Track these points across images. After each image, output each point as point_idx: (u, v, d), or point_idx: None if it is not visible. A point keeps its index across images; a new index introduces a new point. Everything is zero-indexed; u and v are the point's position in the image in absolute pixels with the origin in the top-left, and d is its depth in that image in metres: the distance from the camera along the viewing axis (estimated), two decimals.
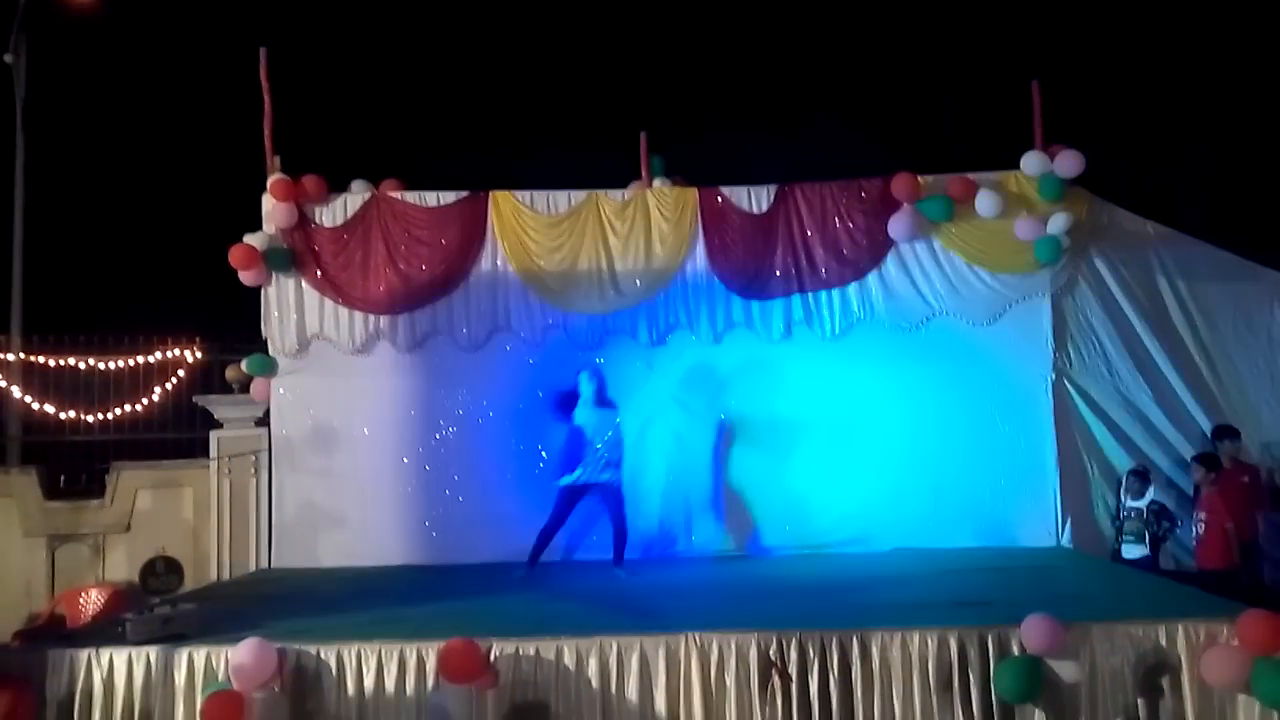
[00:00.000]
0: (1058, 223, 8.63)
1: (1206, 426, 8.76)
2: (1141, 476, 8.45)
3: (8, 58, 11.79)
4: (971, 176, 8.98)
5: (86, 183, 13.04)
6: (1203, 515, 7.98)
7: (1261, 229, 9.86)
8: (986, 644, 5.46)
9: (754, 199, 9.15)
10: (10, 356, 9.92)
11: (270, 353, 9.13)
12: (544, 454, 9.02)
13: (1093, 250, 9.02)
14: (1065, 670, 5.37)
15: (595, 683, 5.50)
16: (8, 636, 6.09)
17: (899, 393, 9.09)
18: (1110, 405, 8.98)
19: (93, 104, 13.18)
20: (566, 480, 7.91)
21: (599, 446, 7.84)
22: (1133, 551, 8.28)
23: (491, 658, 5.48)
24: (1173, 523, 8.29)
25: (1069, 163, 8.73)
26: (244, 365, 9.12)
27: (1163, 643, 5.46)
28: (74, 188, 12.82)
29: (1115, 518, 8.58)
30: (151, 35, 12.72)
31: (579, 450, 7.89)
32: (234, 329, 9.74)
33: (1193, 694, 5.41)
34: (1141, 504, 8.33)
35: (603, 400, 7.99)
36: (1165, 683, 5.43)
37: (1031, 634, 5.34)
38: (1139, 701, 5.41)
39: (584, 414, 7.96)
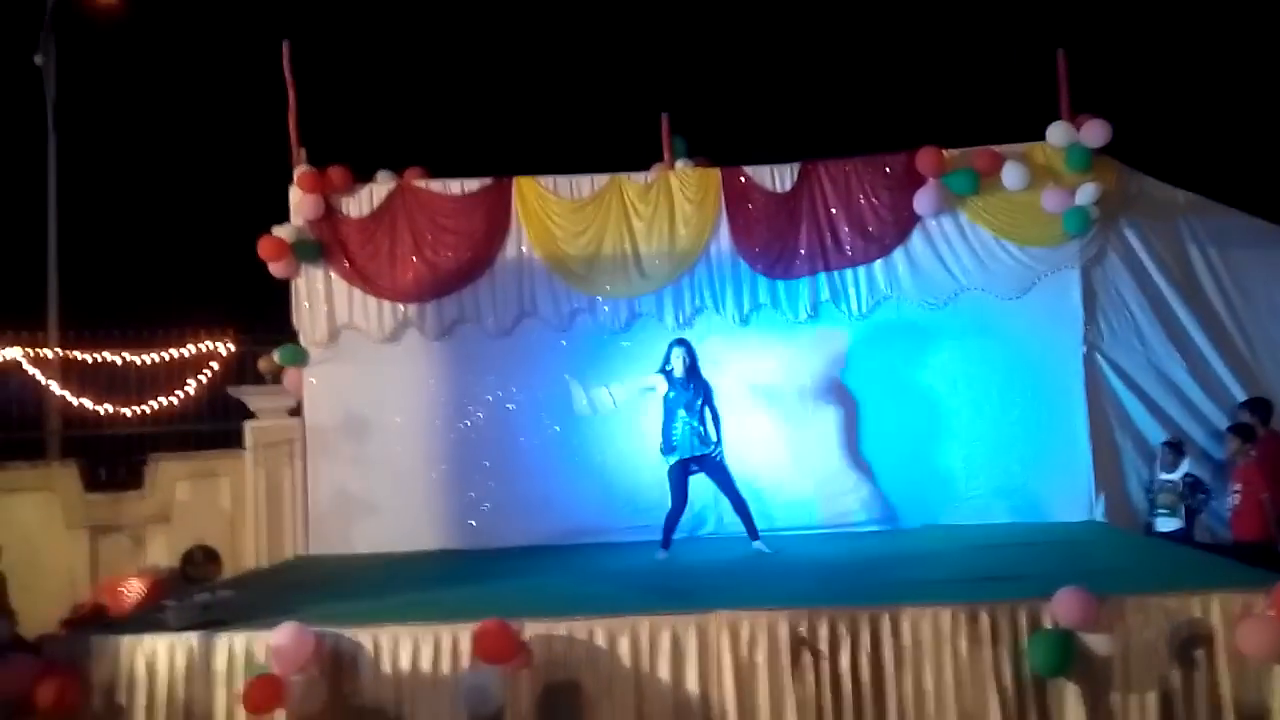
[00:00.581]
0: (1086, 193, 8.51)
1: (1241, 396, 8.64)
2: (1175, 448, 8.36)
3: (38, 59, 11.95)
4: (997, 149, 8.89)
5: (118, 179, 13.20)
6: (1238, 486, 7.87)
7: None
8: (1018, 619, 5.44)
9: (777, 177, 9.11)
10: (48, 352, 10.08)
11: (301, 343, 9.23)
12: (557, 428, 9.09)
13: (1122, 220, 8.89)
14: (1098, 643, 5.33)
15: (627, 662, 5.53)
16: (54, 626, 6.20)
17: (929, 369, 9.06)
18: (1143, 377, 8.87)
19: (121, 101, 13.33)
20: (671, 459, 7.86)
21: (693, 421, 7.78)
22: (1167, 524, 8.21)
23: (524, 639, 5.53)
24: (1207, 494, 8.20)
25: (1096, 132, 8.61)
26: (276, 356, 9.23)
27: (1197, 614, 5.40)
28: (105, 185, 12.99)
29: (1149, 490, 8.51)
30: (176, 32, 12.84)
31: (672, 426, 7.85)
32: (265, 321, 9.85)
33: (1229, 666, 5.35)
34: (1176, 476, 8.25)
35: (691, 374, 7.88)
36: (1200, 655, 5.38)
37: (1064, 607, 5.31)
38: (1173, 674, 5.37)
39: (674, 389, 7.89)
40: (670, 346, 7.97)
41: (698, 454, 7.80)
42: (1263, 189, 9.66)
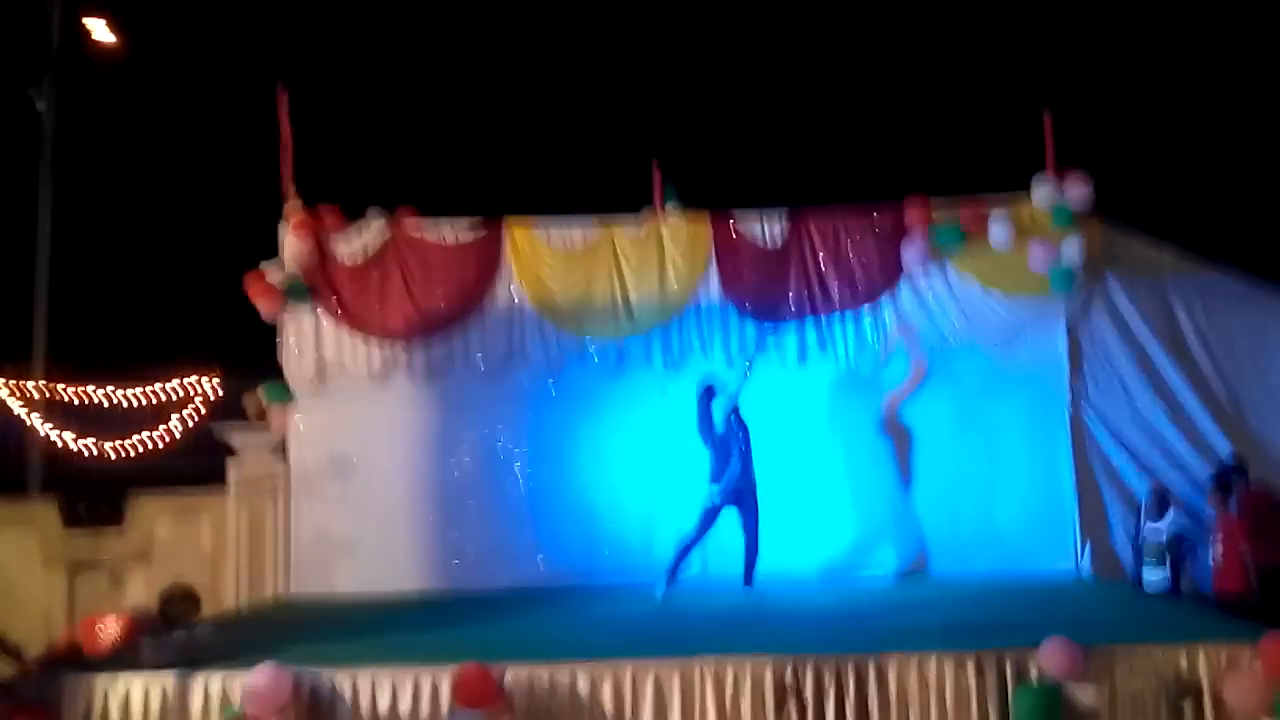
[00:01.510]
0: (1071, 250, 8.61)
1: (1225, 450, 8.69)
2: (1161, 498, 8.38)
3: (40, 105, 11.97)
4: (983, 201, 8.98)
5: (109, 216, 13.22)
6: (1219, 538, 7.91)
7: (1277, 255, 9.80)
8: (1004, 669, 5.40)
9: (766, 227, 9.19)
10: (32, 387, 10.02)
11: (287, 382, 9.19)
12: (541, 471, 9.09)
13: (1108, 274, 8.99)
14: (1084, 695, 5.31)
15: (609, 708, 5.46)
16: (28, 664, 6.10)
17: (916, 419, 9.08)
18: (1128, 430, 8.91)
19: (115, 139, 13.38)
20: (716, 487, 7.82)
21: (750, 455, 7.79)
22: (1153, 574, 8.19)
23: (505, 684, 5.46)
24: (1193, 546, 8.20)
25: (1079, 193, 8.73)
26: (261, 394, 9.18)
27: (1184, 667, 5.39)
28: (96, 220, 12.99)
29: (1134, 541, 8.50)
30: (171, 70, 12.94)
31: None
32: (252, 359, 9.81)
33: (1215, 718, 5.32)
34: (1162, 524, 8.25)
35: (707, 415, 7.89)
36: (1188, 707, 5.36)
37: (1050, 658, 5.29)
38: None
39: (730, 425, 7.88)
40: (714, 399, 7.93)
41: (740, 487, 7.73)
42: (1248, 248, 9.77)
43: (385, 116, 11.84)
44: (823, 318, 9.06)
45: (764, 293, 9.08)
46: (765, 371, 8.99)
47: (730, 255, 9.14)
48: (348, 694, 5.54)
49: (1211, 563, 8.00)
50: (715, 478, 7.72)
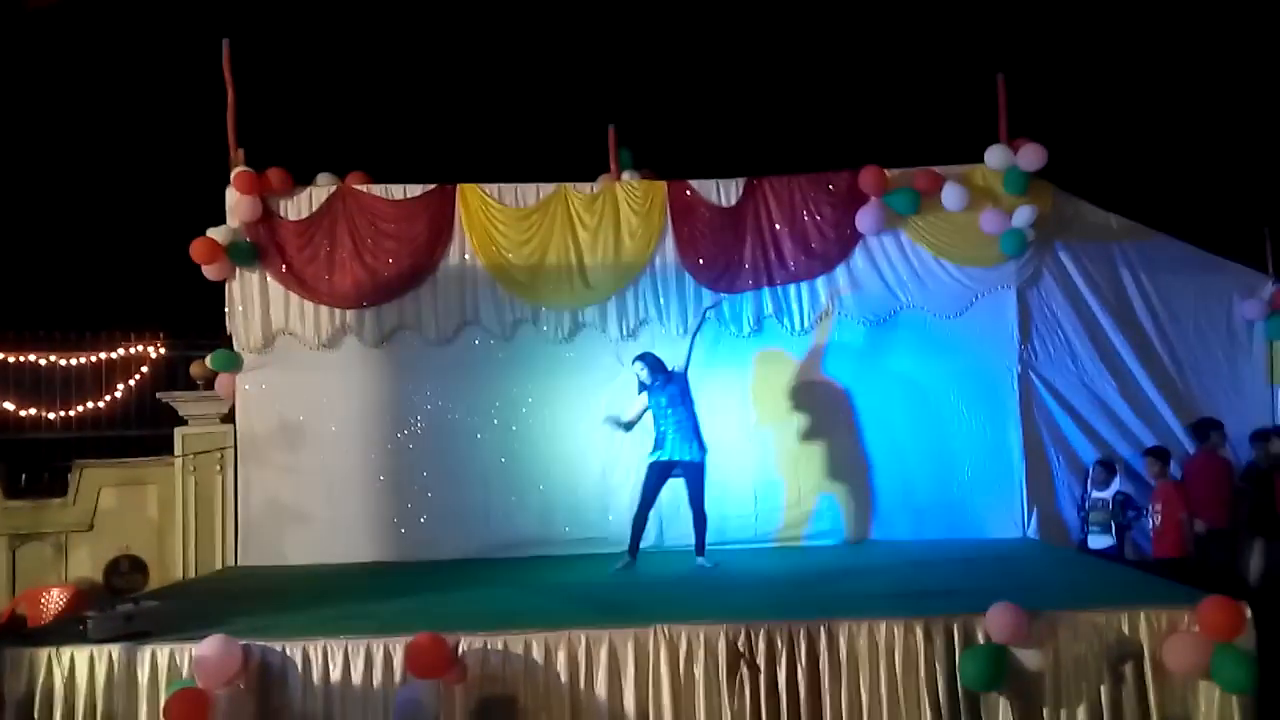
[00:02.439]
0: (1022, 216, 8.71)
1: (1168, 416, 8.90)
2: (1107, 467, 8.56)
3: None
4: (938, 170, 9.05)
5: (46, 176, 12.84)
6: (1158, 507, 8.11)
7: (1223, 222, 9.98)
8: (952, 633, 5.50)
9: (723, 192, 9.17)
10: None
11: (235, 348, 9.03)
12: (494, 440, 8.99)
13: (1057, 243, 9.11)
14: (1029, 658, 5.42)
15: (564, 676, 5.48)
16: None
17: (866, 386, 9.15)
18: (1075, 397, 9.07)
19: (52, 96, 12.97)
20: (651, 457, 7.80)
21: (677, 418, 7.71)
22: (1099, 541, 8.39)
23: (459, 652, 5.45)
24: (1138, 512, 8.41)
25: (1032, 156, 8.80)
26: (208, 361, 9.02)
27: (1125, 630, 5.51)
28: (33, 181, 12.62)
29: (1080, 508, 8.69)
30: (112, 27, 12.53)
31: (658, 426, 7.80)
32: (198, 324, 9.63)
33: (1155, 680, 5.47)
34: (1107, 494, 8.44)
35: (659, 374, 7.78)
36: (1128, 670, 5.49)
37: (996, 622, 5.38)
38: (1102, 688, 5.47)
39: (651, 394, 7.81)
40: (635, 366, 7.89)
41: (682, 459, 7.72)
42: (1193, 215, 9.93)
43: (337, 82, 11.58)
44: (778, 286, 9.06)
45: (719, 257, 9.05)
46: (718, 338, 9.06)
47: (686, 216, 9.08)
48: (299, 664, 5.49)
49: (1150, 529, 8.20)
50: (693, 441, 7.71)
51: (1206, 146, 11.30)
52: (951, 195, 8.89)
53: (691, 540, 7.91)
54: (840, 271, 9.10)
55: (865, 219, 8.96)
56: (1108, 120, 11.32)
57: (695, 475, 7.79)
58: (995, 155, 8.96)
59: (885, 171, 8.98)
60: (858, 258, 9.11)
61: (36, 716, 5.48)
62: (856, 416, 9.11)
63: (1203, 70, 11.27)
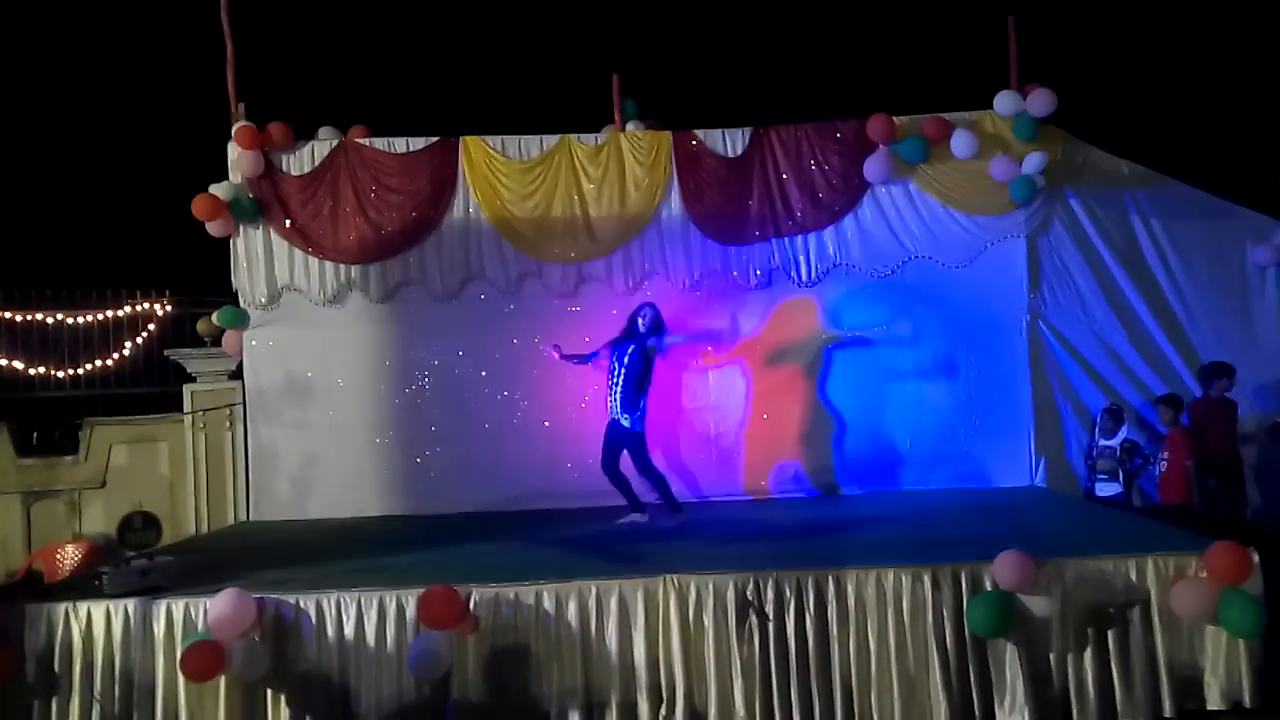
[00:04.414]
0: (1032, 162, 8.60)
1: (1178, 364, 8.87)
2: (1115, 415, 8.54)
3: None
4: (946, 116, 8.93)
5: (49, 135, 12.77)
6: (1165, 454, 8.12)
7: (1235, 167, 9.86)
8: (960, 581, 5.53)
9: (729, 141, 9.07)
10: None
11: (241, 305, 9.02)
12: (504, 393, 9.05)
13: (1067, 190, 9.01)
14: (1036, 605, 5.45)
15: (575, 626, 5.54)
16: None
17: (875, 338, 9.11)
18: (1085, 345, 9.03)
19: (53, 52, 12.86)
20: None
21: (614, 381, 7.68)
22: (1106, 489, 8.40)
23: (471, 604, 5.50)
24: (1145, 460, 8.40)
25: (1042, 101, 8.67)
26: (215, 318, 9.03)
27: (1133, 577, 5.54)
28: (36, 140, 12.56)
29: (1089, 456, 8.69)
30: None
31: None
32: (204, 281, 9.63)
33: (1162, 626, 5.50)
34: (1114, 442, 8.43)
35: (626, 334, 7.79)
36: (1136, 616, 5.52)
37: (1003, 570, 5.41)
38: (1109, 635, 5.50)
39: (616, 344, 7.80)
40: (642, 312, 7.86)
41: (618, 422, 7.69)
42: (1205, 160, 9.81)
43: (337, 34, 11.45)
44: (785, 239, 9.00)
45: (725, 207, 8.97)
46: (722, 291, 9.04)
47: (691, 167, 8.99)
48: (313, 616, 5.55)
49: (1158, 476, 8.21)
50: (626, 408, 7.61)
51: (1218, 91, 11.14)
52: (961, 142, 8.79)
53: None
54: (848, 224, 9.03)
55: (873, 168, 8.87)
56: (1119, 65, 11.15)
57: (630, 442, 7.70)
58: (1005, 101, 8.83)
59: (893, 119, 8.86)
60: (866, 207, 9.03)
61: (56, 670, 5.56)
62: (864, 367, 9.07)
63: (1214, 13, 11.08)
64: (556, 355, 8.00)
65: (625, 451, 7.75)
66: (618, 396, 7.64)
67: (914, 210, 9.02)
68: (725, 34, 11.58)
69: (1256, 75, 10.98)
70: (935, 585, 5.51)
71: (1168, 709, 5.48)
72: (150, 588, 5.72)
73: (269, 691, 5.56)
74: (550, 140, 9.06)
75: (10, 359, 9.49)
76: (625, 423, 7.64)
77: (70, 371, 9.60)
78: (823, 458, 9.06)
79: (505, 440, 8.97)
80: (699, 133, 9.07)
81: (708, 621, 5.49)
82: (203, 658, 5.25)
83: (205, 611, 5.46)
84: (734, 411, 9.11)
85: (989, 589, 5.48)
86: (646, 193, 8.97)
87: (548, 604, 5.56)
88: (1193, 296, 9.02)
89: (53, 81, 12.91)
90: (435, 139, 9.05)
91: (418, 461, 8.98)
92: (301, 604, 5.57)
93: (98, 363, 9.63)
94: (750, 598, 5.51)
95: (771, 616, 5.49)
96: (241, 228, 8.95)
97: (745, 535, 7.21)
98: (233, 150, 8.92)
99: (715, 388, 9.13)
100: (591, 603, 5.55)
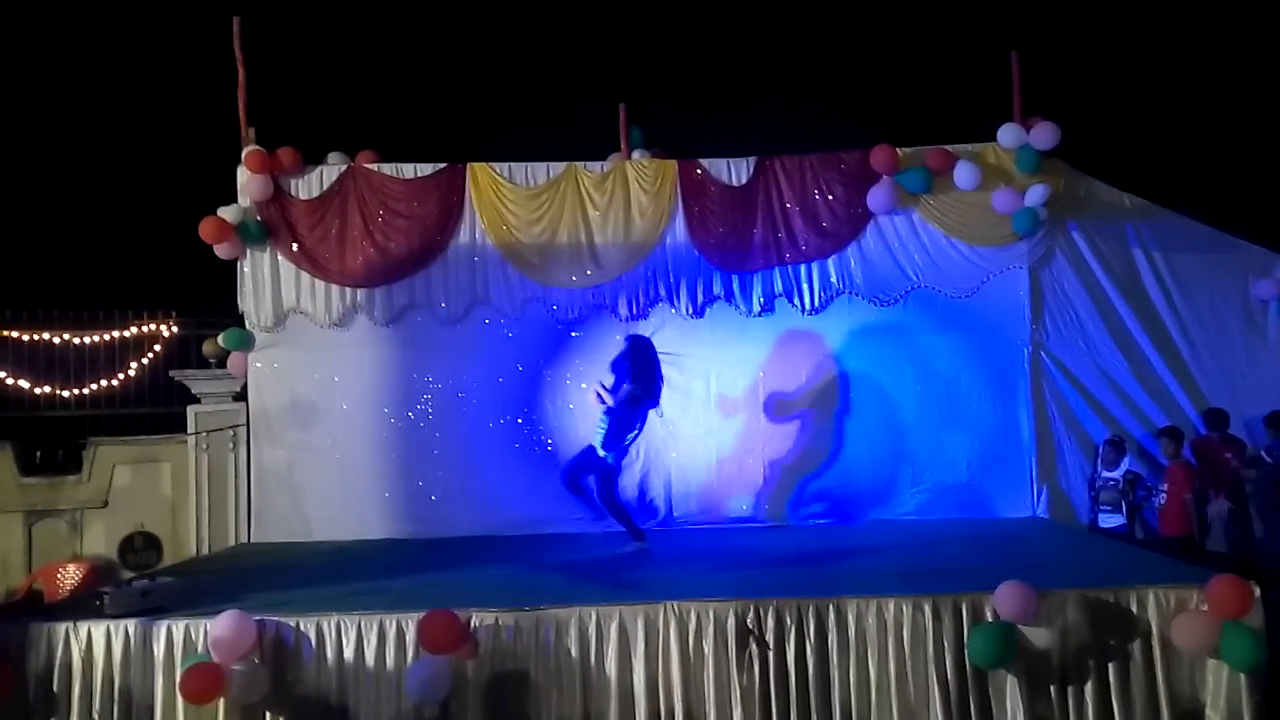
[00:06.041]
0: (1035, 194, 8.67)
1: (1180, 396, 8.88)
2: (1117, 447, 8.55)
3: None
4: (950, 148, 9.01)
5: (59, 155, 12.87)
6: (1165, 486, 8.13)
7: (1238, 202, 9.91)
8: (961, 611, 5.52)
9: (733, 170, 9.14)
10: None
11: (247, 327, 9.07)
12: (506, 418, 9.08)
13: (1070, 222, 9.08)
14: (1037, 637, 5.44)
15: (575, 652, 5.53)
16: None
17: (877, 365, 9.14)
18: (1086, 376, 9.06)
19: (65, 72, 12.98)
20: None
21: (603, 415, 7.51)
22: (1109, 521, 8.40)
23: (471, 628, 5.50)
24: (1148, 491, 8.41)
25: (1045, 135, 8.75)
26: (221, 339, 9.06)
27: (1134, 609, 5.53)
28: (46, 159, 12.66)
29: (1091, 488, 8.68)
30: (124, 4, 12.53)
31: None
32: (210, 303, 9.67)
33: (1163, 659, 5.49)
34: (1117, 474, 8.43)
35: (614, 369, 7.60)
36: (1137, 648, 5.51)
37: (1004, 601, 5.40)
38: (1110, 667, 5.49)
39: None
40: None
41: (594, 449, 7.50)
42: (1208, 194, 9.87)
43: (348, 61, 11.57)
44: (789, 266, 9.05)
45: (730, 236, 9.02)
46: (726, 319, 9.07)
47: (696, 195, 9.06)
48: (313, 639, 5.55)
49: (1158, 509, 8.21)
50: (607, 446, 7.43)
51: (1220, 125, 11.21)
52: (964, 174, 8.86)
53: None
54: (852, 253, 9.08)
55: (877, 198, 8.93)
56: (1121, 98, 11.24)
57: (600, 470, 7.50)
58: (1008, 134, 8.91)
59: (897, 150, 8.93)
60: (869, 237, 9.09)
61: (56, 689, 5.56)
62: (866, 396, 9.09)
63: (1216, 48, 11.17)
64: (599, 400, 7.61)
65: (592, 476, 7.58)
66: (602, 430, 7.45)
67: (917, 240, 9.08)
68: (730, 64, 11.68)
69: (1258, 109, 11.05)
70: (936, 615, 5.50)
71: None
72: (151, 608, 5.72)
73: (268, 714, 5.55)
74: (557, 168, 9.14)
75: (16, 378, 9.52)
76: (601, 454, 7.47)
77: (75, 391, 9.62)
78: (822, 485, 9.06)
79: (507, 464, 8.98)
80: (704, 162, 9.15)
81: (708, 649, 5.48)
82: (202, 679, 5.25)
83: (205, 633, 5.45)
84: (735, 438, 9.12)
85: (990, 620, 5.47)
86: (651, 220, 9.04)
87: (548, 629, 5.55)
88: (1195, 329, 9.06)
89: (63, 102, 13.02)
90: (443, 165, 9.14)
91: (419, 484, 8.99)
92: (302, 626, 5.57)
93: (103, 383, 9.65)
94: (750, 625, 5.50)
95: (772, 644, 5.48)
96: (249, 250, 9.01)
97: (746, 562, 7.19)
98: (242, 174, 9.00)
99: (717, 413, 9.14)
100: (592, 628, 5.54)
